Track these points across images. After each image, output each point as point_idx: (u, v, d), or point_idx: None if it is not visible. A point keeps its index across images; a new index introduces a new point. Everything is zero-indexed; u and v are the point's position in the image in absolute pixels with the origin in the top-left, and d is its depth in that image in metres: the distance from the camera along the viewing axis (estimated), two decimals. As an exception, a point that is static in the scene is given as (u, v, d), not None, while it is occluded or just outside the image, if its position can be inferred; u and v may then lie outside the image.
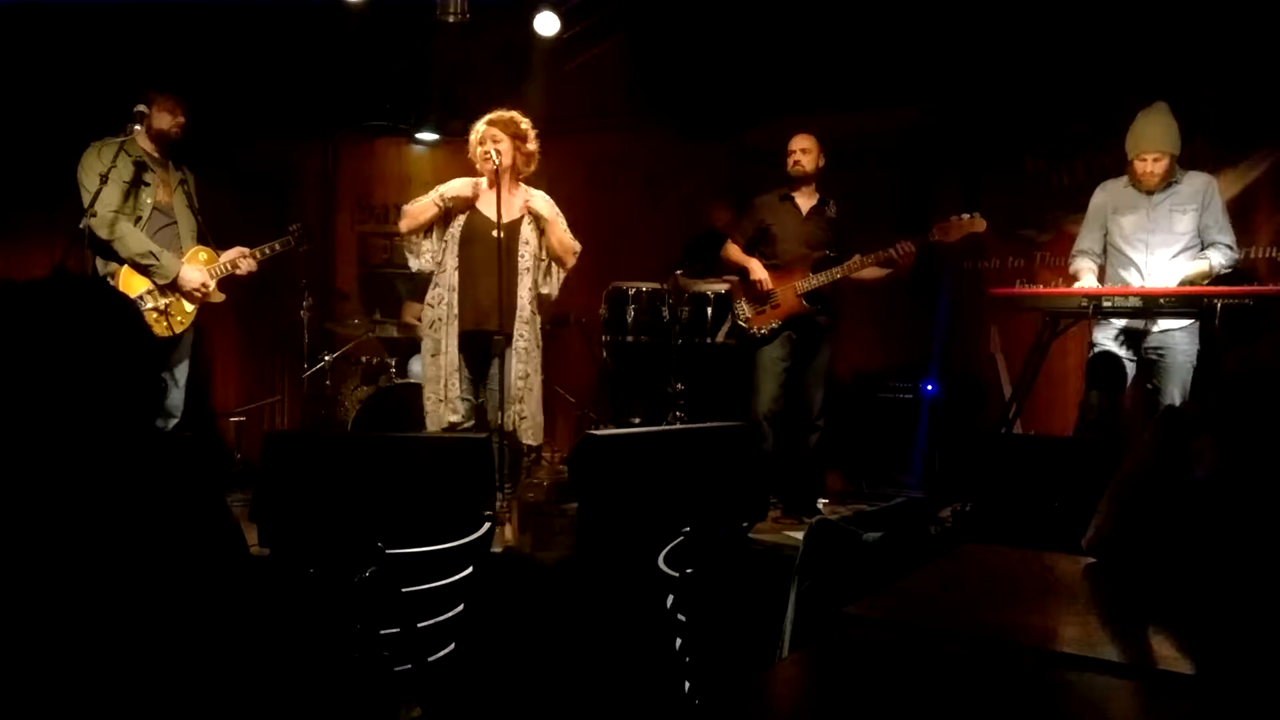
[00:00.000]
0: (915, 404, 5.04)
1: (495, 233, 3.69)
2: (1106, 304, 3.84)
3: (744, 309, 4.44)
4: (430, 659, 2.36)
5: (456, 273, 3.82)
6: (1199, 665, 1.32)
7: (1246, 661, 1.33)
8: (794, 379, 4.39)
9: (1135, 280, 4.00)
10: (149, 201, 4.08)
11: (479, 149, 3.79)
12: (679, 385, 4.87)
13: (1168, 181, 3.97)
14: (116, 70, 4.48)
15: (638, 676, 2.34)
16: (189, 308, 4.18)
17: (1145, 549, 1.76)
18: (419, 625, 2.32)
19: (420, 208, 3.82)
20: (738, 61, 5.52)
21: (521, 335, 3.83)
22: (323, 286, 5.99)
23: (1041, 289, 4.51)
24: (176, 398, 4.22)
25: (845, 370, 5.13)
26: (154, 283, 4.06)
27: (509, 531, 3.43)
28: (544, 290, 3.94)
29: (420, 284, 4.42)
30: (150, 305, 4.03)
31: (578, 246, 3.96)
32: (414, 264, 3.92)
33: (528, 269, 3.85)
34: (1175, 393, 3.89)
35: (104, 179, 3.86)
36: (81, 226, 3.89)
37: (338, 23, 5.20)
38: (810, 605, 2.28)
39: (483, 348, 3.84)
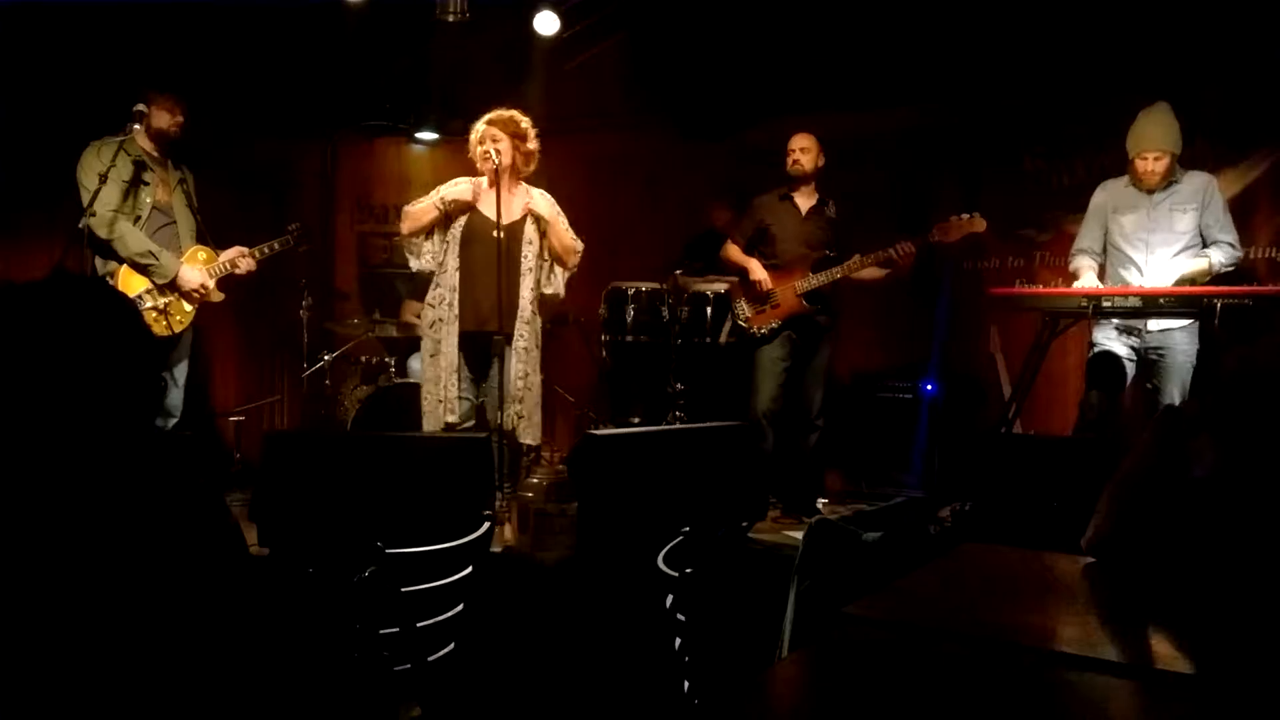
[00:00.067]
0: (915, 404, 5.03)
1: (495, 232, 3.70)
2: (1106, 304, 3.83)
3: (743, 308, 4.44)
4: (430, 659, 2.36)
5: (458, 273, 3.82)
6: (1198, 665, 1.32)
7: (1246, 661, 1.33)
8: (793, 378, 4.39)
9: (1135, 279, 4.00)
10: (148, 201, 4.09)
11: (479, 148, 3.80)
12: (678, 385, 4.87)
13: (1168, 181, 3.97)
14: (116, 70, 4.48)
15: (637, 676, 2.34)
16: (188, 307, 4.18)
17: (1145, 549, 1.76)
18: (419, 625, 2.32)
19: (421, 210, 3.83)
20: (738, 61, 5.52)
21: (522, 335, 3.83)
22: (322, 286, 5.98)
23: (1041, 289, 4.51)
24: (176, 397, 4.22)
25: (845, 370, 5.13)
26: (153, 282, 4.06)
27: (508, 531, 3.43)
28: (548, 290, 3.94)
29: (420, 283, 4.43)
30: (149, 305, 4.03)
31: (579, 246, 3.96)
32: (415, 265, 3.93)
33: (531, 269, 3.85)
34: (1175, 392, 3.89)
35: (103, 178, 3.86)
36: (81, 226, 3.89)
37: (337, 23, 5.20)
38: (810, 605, 2.28)
39: (483, 347, 3.85)
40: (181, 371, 4.25)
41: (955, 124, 5.33)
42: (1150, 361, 3.99)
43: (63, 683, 1.12)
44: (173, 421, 4.20)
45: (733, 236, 4.59)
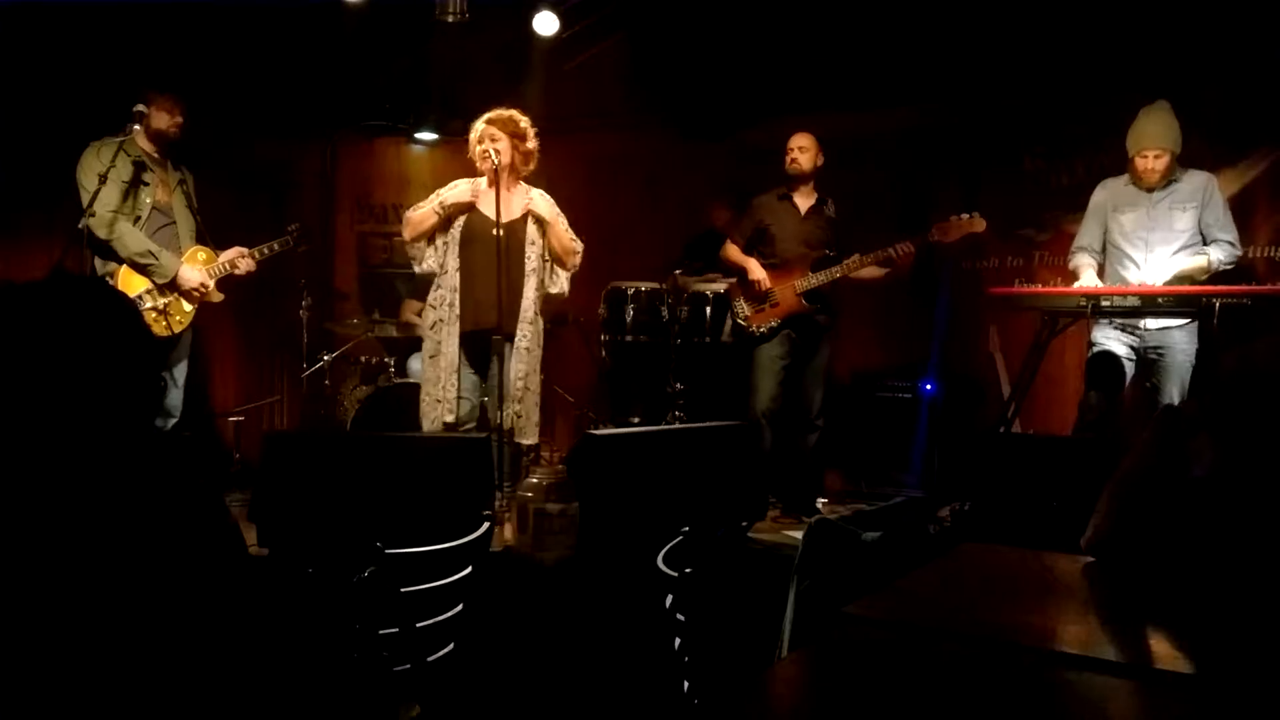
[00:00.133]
0: (914, 403, 5.03)
1: (495, 231, 3.70)
2: (1105, 303, 3.84)
3: (743, 307, 4.45)
4: (429, 659, 2.36)
5: (458, 274, 3.82)
6: (1198, 665, 1.32)
7: (1246, 661, 1.33)
8: (793, 378, 4.39)
9: (1134, 278, 4.01)
10: (148, 201, 4.09)
11: (478, 148, 3.80)
12: (678, 385, 4.87)
13: (1168, 179, 3.98)
14: (116, 70, 4.48)
15: (637, 676, 2.34)
16: (188, 307, 4.18)
17: (1144, 548, 1.76)
18: (418, 625, 2.32)
19: (421, 216, 3.83)
20: (737, 61, 5.52)
21: (524, 335, 3.83)
22: (322, 286, 5.98)
23: (1040, 288, 4.50)
24: (175, 397, 4.22)
25: (844, 370, 5.13)
26: (153, 282, 4.06)
27: (508, 531, 3.43)
28: (554, 290, 3.95)
29: (420, 282, 4.43)
30: (149, 305, 4.03)
31: (579, 247, 3.96)
32: (419, 269, 3.94)
33: (534, 270, 3.86)
34: (1174, 392, 3.89)
35: (103, 179, 3.86)
36: (80, 226, 3.89)
37: (337, 23, 5.20)
38: (810, 605, 2.27)
39: (484, 347, 3.85)
40: (181, 371, 4.25)
41: (955, 124, 5.33)
42: (1149, 361, 3.99)
43: (63, 683, 1.12)
44: (172, 421, 4.20)
45: (732, 236, 4.59)
